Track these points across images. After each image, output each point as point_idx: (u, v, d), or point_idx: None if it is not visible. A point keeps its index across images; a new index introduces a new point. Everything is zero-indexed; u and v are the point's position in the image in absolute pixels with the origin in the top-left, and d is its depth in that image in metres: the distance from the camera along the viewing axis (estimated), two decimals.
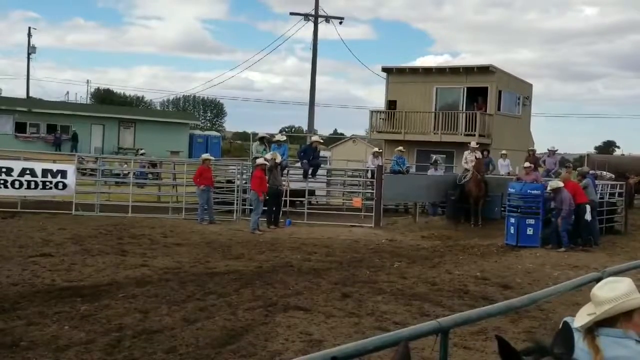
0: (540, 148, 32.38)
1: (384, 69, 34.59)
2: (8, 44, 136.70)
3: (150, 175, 27.32)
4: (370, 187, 22.10)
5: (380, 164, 22.63)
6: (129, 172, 25.76)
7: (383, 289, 11.15)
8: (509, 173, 24.34)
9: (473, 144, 23.33)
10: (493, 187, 21.35)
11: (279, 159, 19.50)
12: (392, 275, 12.43)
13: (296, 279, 11.68)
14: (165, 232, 17.05)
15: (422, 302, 10.34)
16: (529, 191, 17.65)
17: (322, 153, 28.60)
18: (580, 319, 3.31)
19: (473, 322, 4.75)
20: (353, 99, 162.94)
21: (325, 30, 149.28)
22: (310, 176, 21.49)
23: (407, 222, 21.28)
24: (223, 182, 23.56)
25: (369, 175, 22.65)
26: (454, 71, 32.83)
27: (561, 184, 16.83)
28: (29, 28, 68.96)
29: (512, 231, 17.23)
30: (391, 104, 33.36)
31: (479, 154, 22.33)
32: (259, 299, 10.04)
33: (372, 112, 34.86)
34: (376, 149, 26.33)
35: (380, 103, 36.14)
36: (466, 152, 22.97)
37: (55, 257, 12.76)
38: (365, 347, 2.45)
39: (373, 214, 20.41)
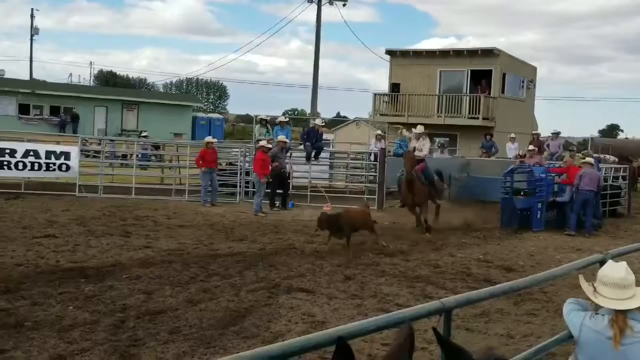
0: (543, 131, 32.31)
1: (388, 52, 34.48)
2: (11, 26, 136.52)
3: (153, 157, 27.31)
4: (373, 170, 22.08)
5: (383, 146, 22.59)
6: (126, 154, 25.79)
7: (386, 271, 11.18)
8: (517, 156, 24.28)
9: (419, 129, 17.86)
10: (498, 170, 21.28)
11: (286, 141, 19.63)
12: (395, 258, 12.45)
13: (299, 261, 11.72)
14: (168, 214, 17.09)
15: (424, 284, 10.37)
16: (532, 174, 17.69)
17: (324, 136, 28.58)
18: (627, 303, 3.52)
19: (476, 302, 4.76)
20: (356, 82, 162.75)
21: (329, 12, 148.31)
22: (313, 159, 21.48)
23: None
24: (225, 165, 23.54)
25: (372, 158, 22.62)
26: (458, 54, 32.72)
27: (591, 160, 17.26)
28: (32, 9, 68.55)
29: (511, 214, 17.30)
30: (394, 87, 33.29)
31: (425, 143, 17.60)
32: (262, 281, 10.08)
33: (375, 95, 34.81)
34: (379, 132, 26.30)
35: (383, 86, 36.10)
36: (409, 134, 19.12)
37: (60, 238, 12.81)
38: (370, 326, 2.46)
39: (376, 196, 20.41)
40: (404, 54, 34.10)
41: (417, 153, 16.95)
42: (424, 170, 16.66)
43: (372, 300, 9.23)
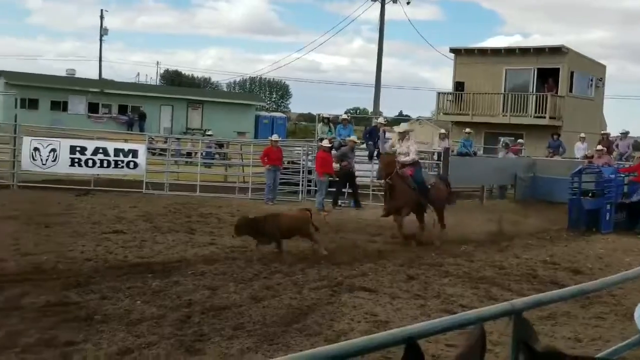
0: (612, 131, 31.52)
1: (452, 50, 34.21)
2: (81, 27, 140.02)
3: (217, 156, 27.71)
4: (436, 170, 21.90)
5: (447, 146, 22.40)
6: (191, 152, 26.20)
7: (449, 272, 11.06)
8: (584, 156, 23.75)
9: (402, 127, 15.43)
10: (565, 170, 20.83)
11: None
12: (459, 258, 12.32)
13: (361, 259, 11.69)
14: (232, 211, 17.27)
15: (489, 285, 10.22)
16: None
17: (387, 135, 28.52)
18: None
19: (545, 304, 4.68)
20: (419, 80, 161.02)
21: (392, 11, 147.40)
22: (375, 158, 21.41)
23: (473, 205, 21.02)
24: (287, 164, 23.72)
25: (435, 157, 22.46)
26: (524, 52, 32.20)
27: None
28: (101, 10, 70.38)
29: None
30: (459, 86, 33.03)
31: (411, 145, 14.58)
32: (325, 279, 10.10)
33: (439, 93, 34.59)
34: (443, 131, 26.12)
35: (447, 85, 35.83)
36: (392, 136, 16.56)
37: (127, 234, 13.11)
38: (438, 326, 2.44)
39: None
40: (469, 52, 33.77)
41: (402, 159, 14.22)
42: (413, 174, 14.19)
43: (436, 301, 9.15)
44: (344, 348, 2.29)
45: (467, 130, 24.83)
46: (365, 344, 2.26)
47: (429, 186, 14.41)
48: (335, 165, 19.07)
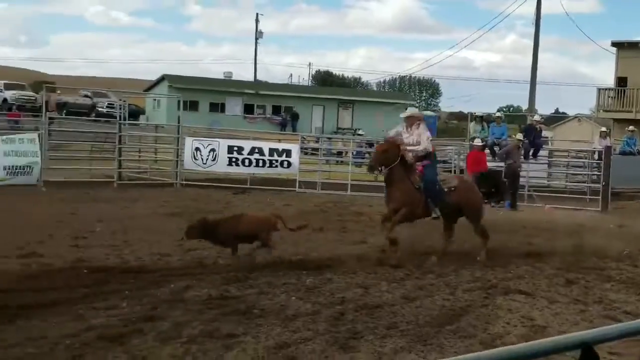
0: None
1: (614, 44, 32.67)
2: (239, 30, 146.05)
3: (367, 155, 27.88)
4: (596, 170, 20.92)
5: (609, 144, 21.34)
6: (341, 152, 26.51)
7: (612, 277, 10.50)
8: None
9: (409, 112, 12.75)
10: None
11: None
12: (622, 263, 11.67)
13: (517, 261, 11.35)
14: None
15: None
16: None
17: (543, 133, 27.56)
18: None
19: None
20: (577, 76, 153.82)
21: (548, 5, 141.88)
22: (531, 157, 20.81)
23: (638, 207, 19.86)
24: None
25: (596, 156, 21.47)
26: None
27: None
28: (257, 14, 72.90)
29: None
30: (621, 81, 31.48)
31: (422, 134, 11.61)
32: (478, 281, 9.90)
33: (599, 89, 33.10)
34: (603, 129, 24.93)
35: (607, 80, 34.18)
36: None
37: (282, 231, 13.44)
38: (612, 333, 2.31)
39: (600, 197, 19.29)
40: (632, 45, 32.04)
41: (412, 148, 11.52)
42: (423, 171, 11.72)
43: (597, 307, 8.71)
44: (511, 352, 2.23)
45: (631, 128, 23.56)
46: (537, 347, 2.18)
47: (447, 190, 11.86)
48: (500, 164, 18.88)
